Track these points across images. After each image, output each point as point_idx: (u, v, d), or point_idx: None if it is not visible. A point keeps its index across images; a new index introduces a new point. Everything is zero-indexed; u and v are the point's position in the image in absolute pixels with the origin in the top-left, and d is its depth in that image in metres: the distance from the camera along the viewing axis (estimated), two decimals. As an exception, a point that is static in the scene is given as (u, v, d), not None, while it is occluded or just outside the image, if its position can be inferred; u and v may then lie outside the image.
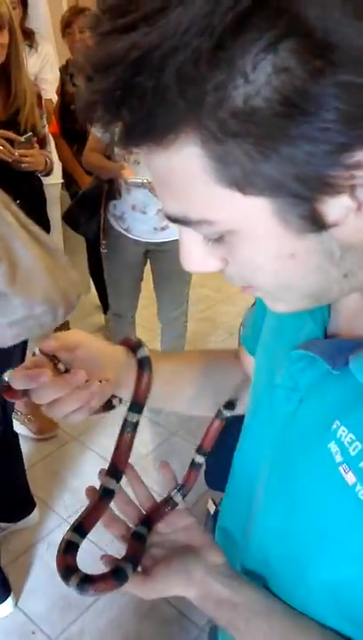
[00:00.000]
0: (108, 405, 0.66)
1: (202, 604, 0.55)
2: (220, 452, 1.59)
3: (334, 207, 0.35)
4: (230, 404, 0.72)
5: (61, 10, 3.15)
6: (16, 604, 1.64)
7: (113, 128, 0.34)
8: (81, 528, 0.62)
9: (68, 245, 3.11)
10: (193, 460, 0.73)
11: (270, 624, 0.52)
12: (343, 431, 0.43)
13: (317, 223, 0.35)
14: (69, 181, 2.78)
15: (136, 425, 0.68)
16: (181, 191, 0.37)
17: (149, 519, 0.65)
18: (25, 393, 0.54)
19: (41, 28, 2.63)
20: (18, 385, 0.53)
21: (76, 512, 1.97)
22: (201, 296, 3.45)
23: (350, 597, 0.45)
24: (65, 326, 3.02)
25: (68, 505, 2.00)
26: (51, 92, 2.57)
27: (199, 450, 0.73)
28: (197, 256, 0.43)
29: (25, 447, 2.25)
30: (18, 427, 2.29)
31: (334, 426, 0.44)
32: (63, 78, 2.72)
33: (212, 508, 1.46)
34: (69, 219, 2.35)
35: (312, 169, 0.32)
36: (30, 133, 1.81)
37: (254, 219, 0.36)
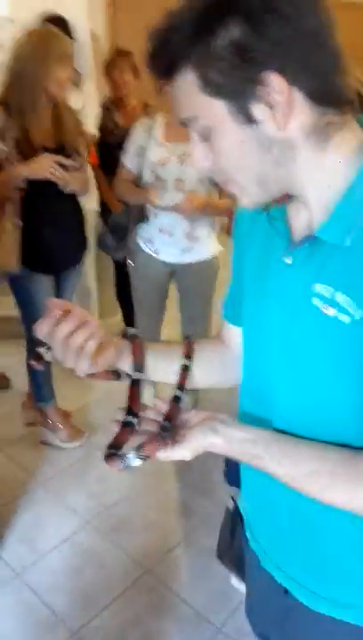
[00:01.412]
0: (116, 375, 0.86)
1: (228, 447, 0.69)
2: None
3: (257, 109, 0.59)
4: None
5: (100, 52, 3.41)
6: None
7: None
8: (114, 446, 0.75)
9: (97, 271, 3.29)
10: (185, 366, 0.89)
11: (289, 445, 0.69)
12: (320, 287, 0.64)
13: (249, 118, 0.60)
14: (104, 209, 2.96)
15: (139, 381, 0.85)
16: (184, 100, 0.63)
17: (170, 417, 0.77)
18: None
19: (84, 68, 2.86)
20: (43, 329, 0.76)
21: (97, 514, 2.07)
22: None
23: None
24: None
25: (90, 507, 2.10)
26: (90, 127, 2.79)
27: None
28: (198, 154, 0.67)
29: (53, 454, 2.38)
30: (47, 434, 2.42)
31: (313, 287, 0.65)
32: (103, 115, 2.95)
33: (230, 504, 1.55)
34: (101, 242, 2.54)
35: (240, 82, 0.58)
36: (76, 162, 2.02)
37: (219, 115, 0.61)
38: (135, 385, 0.84)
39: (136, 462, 0.70)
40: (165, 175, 2.15)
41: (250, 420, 0.81)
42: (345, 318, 0.62)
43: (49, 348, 0.80)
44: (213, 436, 0.69)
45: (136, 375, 0.86)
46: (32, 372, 2.35)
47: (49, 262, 2.17)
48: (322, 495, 0.66)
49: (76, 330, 0.77)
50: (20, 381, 2.72)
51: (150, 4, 4.35)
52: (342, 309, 0.62)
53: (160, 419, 0.77)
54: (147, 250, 2.29)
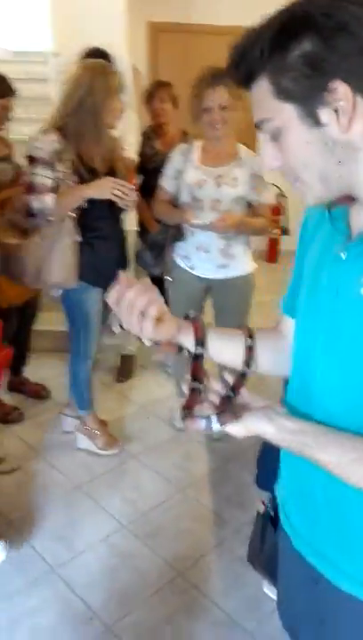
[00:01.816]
0: (178, 347, 0.98)
1: (278, 435, 0.77)
2: (267, 456, 1.74)
3: (324, 113, 0.67)
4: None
5: (140, 83, 3.61)
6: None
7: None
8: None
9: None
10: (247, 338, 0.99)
11: (335, 436, 0.75)
12: None
13: (316, 121, 0.68)
14: (142, 229, 3.10)
15: (200, 356, 0.95)
16: (259, 105, 0.72)
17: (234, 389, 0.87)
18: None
19: (126, 99, 3.04)
20: (112, 295, 0.89)
21: (132, 519, 2.13)
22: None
23: None
24: (131, 360, 3.27)
25: (125, 512, 2.17)
26: (131, 153, 2.95)
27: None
28: (268, 155, 0.75)
29: (89, 460, 2.46)
30: (84, 440, 2.51)
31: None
32: (143, 142, 3.12)
33: (261, 509, 1.59)
34: (140, 259, 2.67)
35: (310, 90, 0.66)
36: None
37: (289, 117, 0.69)
38: (198, 359, 0.94)
39: (217, 426, 0.78)
40: (201, 196, 2.27)
41: (294, 412, 0.87)
42: None
43: (123, 327, 0.93)
44: (267, 424, 0.77)
45: (198, 350, 0.95)
46: (74, 381, 2.46)
47: (101, 276, 2.28)
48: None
49: (138, 296, 0.89)
50: (59, 393, 2.84)
51: (187, 41, 4.60)
52: None
53: (223, 392, 0.86)
54: (183, 265, 2.40)
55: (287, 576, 1.12)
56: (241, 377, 0.90)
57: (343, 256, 0.77)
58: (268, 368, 1.03)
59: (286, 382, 1.51)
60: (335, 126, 0.67)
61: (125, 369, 3.22)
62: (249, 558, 1.69)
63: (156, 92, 3.00)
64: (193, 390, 0.87)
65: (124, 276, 0.91)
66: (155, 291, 0.91)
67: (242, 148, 2.33)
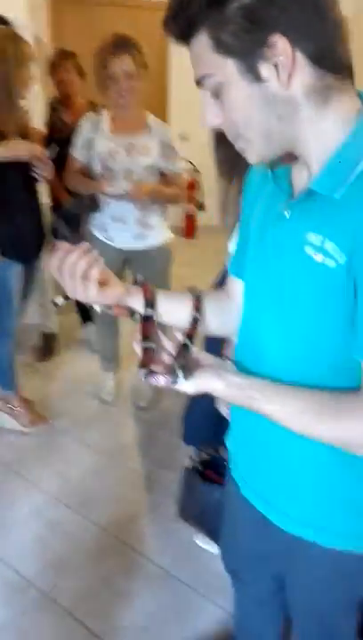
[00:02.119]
0: (130, 311, 0.98)
1: (227, 391, 0.79)
2: (194, 413, 1.80)
3: (264, 68, 0.66)
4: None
5: (43, 53, 3.50)
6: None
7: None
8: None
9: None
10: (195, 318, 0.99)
11: (279, 388, 0.78)
12: (312, 236, 0.72)
13: (256, 76, 0.67)
14: (55, 203, 3.03)
15: (150, 317, 0.96)
16: (199, 60, 0.71)
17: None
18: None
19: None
20: (53, 264, 0.89)
21: (63, 490, 2.14)
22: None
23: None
24: (52, 339, 3.23)
25: (56, 484, 2.17)
26: (37, 125, 2.87)
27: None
28: (209, 112, 0.74)
29: (17, 439, 2.43)
30: (9, 420, 2.47)
31: (306, 236, 0.72)
32: (50, 113, 3.04)
33: (188, 463, 1.65)
34: (56, 232, 2.62)
35: (249, 44, 0.65)
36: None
37: (230, 72, 0.68)
38: (148, 320, 0.95)
39: (183, 380, 0.79)
40: (113, 165, 2.27)
41: (241, 368, 0.89)
42: (331, 263, 0.69)
43: (66, 298, 0.93)
44: (217, 380, 0.80)
45: (148, 311, 0.96)
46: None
47: (21, 250, 2.23)
48: (308, 430, 0.75)
49: (79, 261, 0.89)
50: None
51: (92, 13, 4.51)
52: (329, 255, 0.69)
53: (175, 350, 0.87)
54: (101, 237, 2.39)
55: (234, 521, 1.17)
56: (184, 349, 0.90)
57: (287, 214, 0.77)
58: (214, 328, 1.04)
59: (207, 340, 1.57)
60: (276, 81, 0.66)
61: (47, 347, 3.18)
62: (179, 513, 1.75)
63: (60, 62, 2.93)
64: (146, 350, 0.87)
65: (62, 244, 0.90)
66: (94, 254, 0.90)
67: (151, 117, 2.34)
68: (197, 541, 1.91)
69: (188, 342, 0.88)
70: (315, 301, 0.74)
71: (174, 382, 0.79)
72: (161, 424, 2.58)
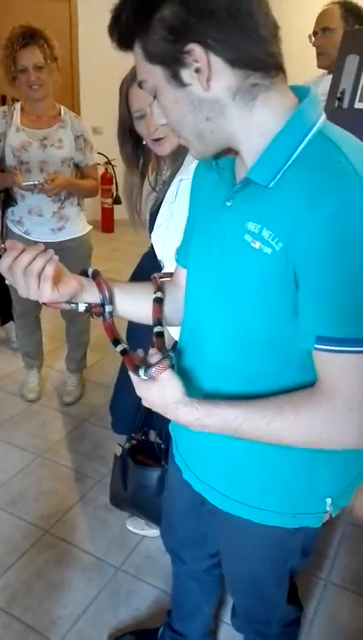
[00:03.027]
0: (75, 305, 0.93)
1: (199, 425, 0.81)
2: (120, 401, 1.83)
3: (185, 74, 0.72)
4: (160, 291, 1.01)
5: None
6: None
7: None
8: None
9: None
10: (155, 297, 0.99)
11: (238, 400, 0.79)
12: (250, 224, 0.75)
13: (180, 82, 0.72)
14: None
15: (111, 313, 0.95)
16: (138, 67, 0.77)
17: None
18: None
19: None
20: (4, 264, 0.85)
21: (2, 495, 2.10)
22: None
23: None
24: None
25: (-16, 488, 2.13)
26: None
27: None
28: (156, 112, 0.80)
29: None
30: None
31: (246, 225, 0.76)
32: None
33: (118, 451, 1.68)
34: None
35: (170, 52, 0.70)
36: None
37: (158, 78, 0.74)
38: (107, 318, 0.94)
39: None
40: (27, 158, 2.24)
41: (185, 357, 0.92)
42: (268, 250, 0.72)
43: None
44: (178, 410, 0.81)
45: (108, 308, 0.94)
46: None
47: None
48: (271, 427, 0.76)
49: (34, 260, 0.85)
50: None
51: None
52: (265, 242, 0.73)
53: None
54: (18, 232, 2.35)
55: (174, 503, 1.21)
56: (158, 336, 0.91)
57: (229, 203, 0.81)
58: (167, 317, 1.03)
59: (129, 328, 1.61)
60: (198, 85, 0.71)
61: (-34, 348, 3.08)
62: (112, 501, 1.78)
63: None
64: (124, 352, 0.87)
65: (13, 243, 0.87)
66: (50, 252, 0.87)
67: (64, 110, 2.33)
68: (129, 527, 1.95)
69: (161, 329, 0.90)
70: (255, 289, 0.76)
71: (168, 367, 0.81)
72: (89, 417, 2.60)
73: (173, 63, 0.71)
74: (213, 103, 0.73)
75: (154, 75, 0.74)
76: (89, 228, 2.50)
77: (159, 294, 0.99)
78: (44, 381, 2.85)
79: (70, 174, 2.33)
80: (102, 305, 0.94)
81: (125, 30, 0.73)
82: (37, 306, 2.59)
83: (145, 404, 0.84)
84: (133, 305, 1.00)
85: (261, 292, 0.76)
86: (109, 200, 5.62)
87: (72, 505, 2.07)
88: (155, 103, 0.79)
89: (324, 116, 0.76)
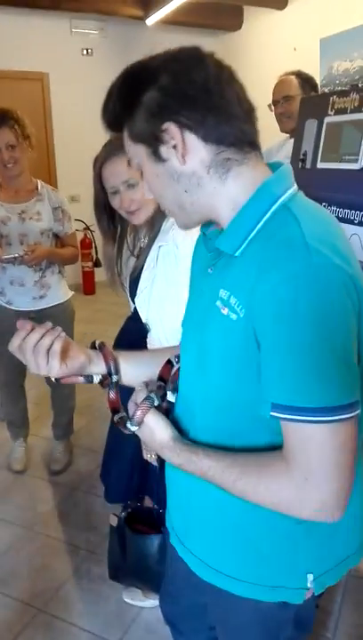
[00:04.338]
0: (88, 377, 0.98)
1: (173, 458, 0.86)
2: (112, 469, 1.80)
3: (163, 151, 0.78)
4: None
5: None
6: None
7: None
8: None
9: None
10: (169, 360, 1.01)
11: (211, 450, 0.83)
12: (222, 292, 0.79)
13: (160, 157, 0.79)
14: None
15: (117, 382, 0.99)
16: (127, 148, 0.84)
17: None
18: None
19: None
20: (15, 343, 0.91)
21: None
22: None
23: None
24: None
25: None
26: None
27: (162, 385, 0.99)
28: (144, 187, 0.86)
29: None
30: None
31: (219, 292, 0.79)
32: None
33: (114, 521, 1.63)
34: None
35: (150, 131, 0.78)
36: None
37: (142, 156, 0.81)
38: (113, 388, 0.97)
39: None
40: (7, 232, 2.30)
41: (181, 411, 0.94)
42: (234, 316, 0.75)
43: None
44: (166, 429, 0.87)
45: (115, 378, 0.98)
46: None
47: None
48: (237, 488, 0.79)
49: (43, 337, 0.90)
50: None
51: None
52: (232, 309, 0.76)
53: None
54: (0, 302, 2.38)
55: (172, 572, 1.18)
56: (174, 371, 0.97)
57: (211, 271, 0.86)
58: None
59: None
60: (175, 160, 0.78)
61: None
62: (111, 574, 1.70)
63: None
64: (120, 421, 0.92)
65: (23, 322, 0.91)
66: (57, 330, 0.92)
67: (40, 184, 2.42)
68: (126, 599, 1.88)
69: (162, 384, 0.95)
70: (224, 353, 0.79)
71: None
72: (78, 485, 2.54)
73: (153, 141, 0.78)
74: (190, 176, 0.79)
75: (138, 153, 0.81)
76: (71, 293, 2.55)
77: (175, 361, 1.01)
78: (30, 450, 2.80)
79: (50, 244, 2.40)
80: (109, 375, 0.98)
81: (112, 116, 0.82)
82: (22, 374, 2.58)
83: (143, 441, 0.91)
84: (137, 373, 1.02)
85: (228, 356, 0.78)
86: (90, 263, 5.72)
87: (65, 580, 1.99)
88: (142, 178, 0.86)
89: (293, 190, 0.79)
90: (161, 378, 0.98)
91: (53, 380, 0.95)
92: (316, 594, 0.90)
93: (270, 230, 0.75)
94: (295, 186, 0.81)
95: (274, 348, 0.71)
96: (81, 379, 0.97)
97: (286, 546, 0.86)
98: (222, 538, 0.90)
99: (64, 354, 0.92)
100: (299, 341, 0.68)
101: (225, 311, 0.77)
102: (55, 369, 0.91)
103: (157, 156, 0.79)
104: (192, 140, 0.77)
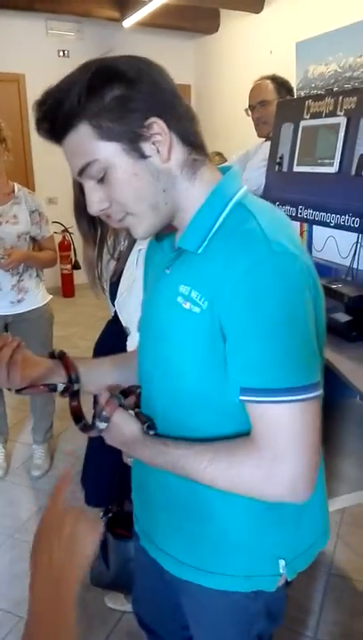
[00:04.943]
0: (52, 387, 0.97)
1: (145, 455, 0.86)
2: (91, 472, 1.79)
3: (146, 147, 0.76)
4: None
5: None
6: None
7: None
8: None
9: None
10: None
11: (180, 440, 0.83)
12: (182, 287, 0.80)
13: (141, 154, 0.76)
14: None
15: (78, 392, 0.99)
16: (79, 150, 0.76)
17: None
18: None
19: None
20: None
21: None
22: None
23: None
24: None
25: None
26: None
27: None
28: (95, 199, 0.80)
29: None
30: None
31: (179, 288, 0.81)
32: None
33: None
34: None
35: (130, 127, 0.75)
36: None
37: (116, 155, 0.76)
38: (75, 396, 0.97)
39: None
40: (-17, 236, 2.27)
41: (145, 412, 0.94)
42: (196, 309, 0.78)
43: None
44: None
45: (76, 386, 0.97)
46: None
47: None
48: (208, 476, 0.79)
49: (0, 349, 0.90)
50: None
51: None
52: (194, 302, 0.78)
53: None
54: (-24, 307, 2.35)
55: (142, 575, 1.18)
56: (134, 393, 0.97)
57: (168, 271, 0.87)
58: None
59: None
60: (157, 157, 0.77)
61: None
62: (93, 581, 1.69)
63: None
64: (85, 428, 0.92)
65: None
66: (16, 340, 0.91)
67: (17, 187, 2.39)
68: (109, 604, 1.87)
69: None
70: (187, 346, 0.81)
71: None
72: (58, 490, 2.51)
73: (132, 137, 0.75)
74: (168, 175, 0.79)
75: (106, 152, 0.76)
76: (49, 297, 2.53)
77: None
78: (9, 456, 2.77)
79: (27, 247, 2.38)
80: (70, 383, 0.98)
81: (71, 112, 0.74)
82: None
83: (108, 442, 0.90)
84: (98, 381, 1.02)
85: (192, 349, 0.80)
86: (68, 266, 5.68)
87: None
88: (94, 190, 0.79)
89: (244, 189, 0.83)
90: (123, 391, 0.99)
91: (14, 391, 0.94)
92: (289, 579, 0.92)
93: (230, 226, 0.79)
94: (245, 186, 0.85)
95: (242, 334, 0.74)
96: (43, 388, 0.96)
97: (256, 533, 0.88)
98: (192, 531, 0.91)
99: (23, 364, 0.92)
100: (266, 325, 0.72)
101: (187, 305, 0.79)
102: (17, 380, 0.91)
103: (138, 153, 0.76)
104: (173, 137, 0.78)
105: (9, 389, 0.94)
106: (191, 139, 0.80)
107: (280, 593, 0.94)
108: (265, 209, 0.83)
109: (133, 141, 0.76)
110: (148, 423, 0.87)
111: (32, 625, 0.63)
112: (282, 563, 0.90)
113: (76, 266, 5.59)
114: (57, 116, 0.75)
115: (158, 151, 0.77)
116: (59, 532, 0.72)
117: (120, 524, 1.62)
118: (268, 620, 0.98)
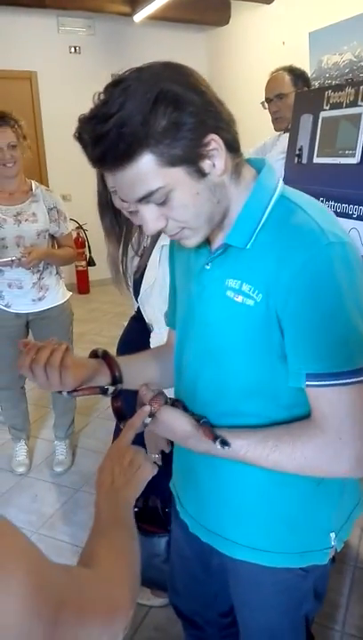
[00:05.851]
0: (102, 389, 0.99)
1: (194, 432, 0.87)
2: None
3: (205, 165, 0.77)
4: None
5: None
6: None
7: None
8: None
9: None
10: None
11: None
12: (231, 281, 0.83)
13: (202, 174, 0.77)
14: None
15: (120, 391, 1.00)
16: (142, 179, 0.75)
17: None
18: None
19: None
20: (24, 363, 0.92)
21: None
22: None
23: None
24: None
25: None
26: None
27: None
28: (153, 219, 0.80)
29: None
30: None
31: (227, 282, 0.84)
32: None
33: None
34: None
35: (191, 149, 0.74)
36: None
37: (179, 178, 0.76)
38: (118, 396, 0.99)
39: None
40: (3, 234, 2.28)
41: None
42: (250, 302, 0.81)
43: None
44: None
45: (119, 386, 0.99)
46: None
47: None
48: (271, 461, 0.82)
49: (51, 354, 0.92)
50: None
51: None
52: (247, 295, 0.81)
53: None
54: (-2, 306, 2.37)
55: (182, 563, 1.20)
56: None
57: (208, 267, 0.88)
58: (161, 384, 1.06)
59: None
60: (214, 172, 0.78)
61: None
62: None
63: None
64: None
65: (26, 343, 0.92)
66: (64, 344, 0.93)
67: (35, 184, 2.40)
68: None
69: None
70: (242, 339, 0.84)
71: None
72: (81, 486, 2.54)
73: (194, 158, 0.75)
74: (222, 186, 0.80)
75: (172, 177, 0.75)
76: (69, 294, 2.54)
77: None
78: (32, 453, 2.79)
79: (47, 245, 2.39)
80: (115, 383, 0.99)
81: (137, 142, 0.71)
82: (22, 377, 2.57)
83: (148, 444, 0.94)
84: (137, 377, 1.03)
85: (247, 340, 0.83)
86: (83, 263, 5.69)
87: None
88: (151, 211, 0.79)
89: (282, 182, 0.86)
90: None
91: (65, 394, 0.96)
92: (338, 550, 0.97)
93: (276, 219, 0.81)
94: (281, 179, 0.87)
95: (306, 325, 0.77)
96: (95, 390, 0.98)
97: (309, 508, 0.93)
98: (248, 512, 0.94)
99: (64, 367, 0.94)
100: (329, 314, 0.76)
101: (239, 299, 0.82)
102: (69, 383, 0.94)
103: (199, 173, 0.77)
104: (223, 147, 0.78)
105: (60, 392, 0.96)
106: (235, 144, 0.81)
107: (327, 570, 1.00)
108: (310, 200, 0.85)
109: (195, 162, 0.76)
110: (203, 419, 0.88)
111: (93, 538, 0.76)
112: (333, 535, 0.95)
113: (90, 262, 5.60)
114: (120, 145, 0.72)
115: (214, 165, 0.78)
116: (120, 460, 0.86)
117: (145, 520, 1.63)
118: (315, 599, 1.03)
